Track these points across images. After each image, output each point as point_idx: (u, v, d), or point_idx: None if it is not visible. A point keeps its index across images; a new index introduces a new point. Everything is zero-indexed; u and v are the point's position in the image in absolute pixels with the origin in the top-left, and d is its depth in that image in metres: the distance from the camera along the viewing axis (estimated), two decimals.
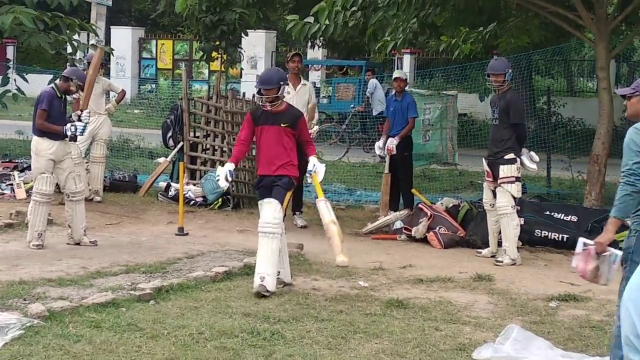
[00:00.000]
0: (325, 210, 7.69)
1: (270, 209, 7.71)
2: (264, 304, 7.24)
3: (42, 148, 9.17)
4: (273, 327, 6.54)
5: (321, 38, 19.68)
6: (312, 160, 7.89)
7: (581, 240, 5.66)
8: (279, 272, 7.73)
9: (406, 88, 11.76)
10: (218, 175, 7.90)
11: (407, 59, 26.39)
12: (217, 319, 6.67)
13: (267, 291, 7.41)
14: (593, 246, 5.47)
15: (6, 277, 7.71)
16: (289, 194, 7.97)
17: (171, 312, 6.77)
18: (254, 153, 12.70)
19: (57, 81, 9.53)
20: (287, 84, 8.06)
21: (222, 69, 13.42)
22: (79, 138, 9.67)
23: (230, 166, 7.81)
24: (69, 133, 9.12)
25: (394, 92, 11.89)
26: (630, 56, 25.40)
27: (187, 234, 10.18)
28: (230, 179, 7.82)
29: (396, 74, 12.12)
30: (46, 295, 7.09)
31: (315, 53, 28.18)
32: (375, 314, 7.11)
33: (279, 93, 7.75)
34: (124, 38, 30.95)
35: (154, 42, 31.84)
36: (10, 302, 6.85)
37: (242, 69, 16.32)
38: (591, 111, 16.77)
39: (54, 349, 5.80)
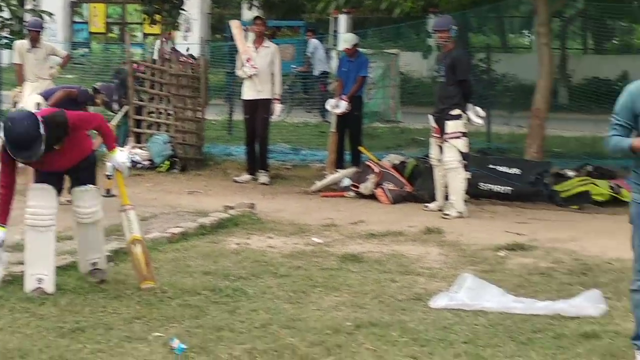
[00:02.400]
0: (127, 222, 6.57)
1: (46, 197, 6.28)
2: (223, 262, 7.35)
3: None
4: (234, 284, 6.65)
5: None
6: (113, 159, 6.56)
7: None
8: (95, 262, 6.61)
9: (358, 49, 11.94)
10: None
11: (342, 18, 26.42)
12: (178, 278, 6.75)
13: (46, 294, 6.17)
14: None
15: None
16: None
17: (132, 273, 6.81)
18: (198, 115, 12.77)
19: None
20: None
21: (164, 31, 13.35)
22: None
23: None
24: None
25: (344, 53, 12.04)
26: (563, 12, 25.78)
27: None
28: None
29: (344, 44, 12.21)
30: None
31: (253, 13, 28.04)
32: (332, 268, 7.28)
33: None
34: (54, 2, 30.34)
35: (85, 5, 31.33)
36: None
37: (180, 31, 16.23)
38: (524, 67, 17.05)
39: (19, 312, 5.85)
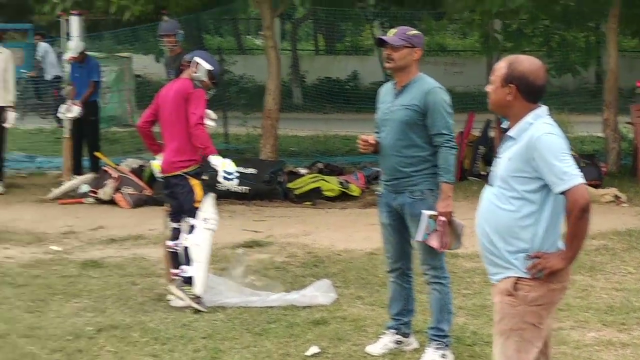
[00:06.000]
0: None
1: None
2: None
3: None
4: None
5: None
6: None
7: (425, 213, 5.08)
8: None
9: (87, 53, 11.84)
10: None
11: (74, 21, 25.82)
12: None
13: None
14: (442, 218, 5.07)
15: None
16: None
17: None
18: None
19: None
20: None
21: None
22: None
23: None
24: None
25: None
26: (292, 14, 26.72)
27: None
28: None
29: (70, 53, 12.03)
30: None
31: None
32: (71, 275, 7.30)
33: None
34: None
35: None
36: None
37: None
38: (261, 68, 17.56)
39: None
